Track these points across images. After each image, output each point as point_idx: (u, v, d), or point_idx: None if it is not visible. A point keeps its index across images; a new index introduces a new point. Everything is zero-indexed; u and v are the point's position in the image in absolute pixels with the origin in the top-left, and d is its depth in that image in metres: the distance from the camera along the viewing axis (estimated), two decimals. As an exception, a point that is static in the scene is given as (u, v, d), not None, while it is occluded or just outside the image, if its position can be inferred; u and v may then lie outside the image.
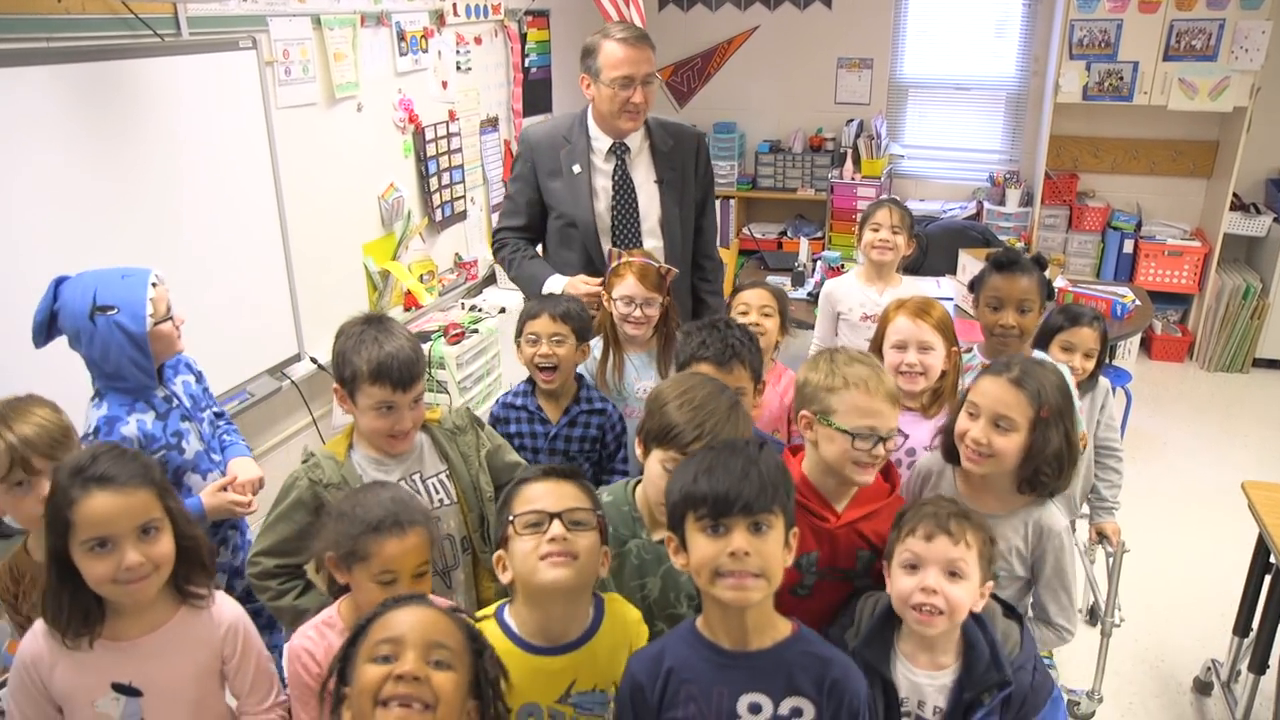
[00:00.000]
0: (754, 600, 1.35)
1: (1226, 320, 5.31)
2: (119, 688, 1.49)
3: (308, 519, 1.86)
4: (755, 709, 1.37)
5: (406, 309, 4.02)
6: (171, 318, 2.07)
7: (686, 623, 1.47)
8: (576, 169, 2.77)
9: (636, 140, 2.80)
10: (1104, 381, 2.66)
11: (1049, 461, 1.75)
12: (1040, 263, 2.38)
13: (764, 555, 1.33)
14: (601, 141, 2.78)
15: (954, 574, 1.52)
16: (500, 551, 1.50)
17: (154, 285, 2.03)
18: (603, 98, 2.68)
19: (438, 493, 1.99)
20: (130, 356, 1.97)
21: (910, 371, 2.19)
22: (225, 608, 1.61)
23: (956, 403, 1.93)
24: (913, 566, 1.53)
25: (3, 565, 1.85)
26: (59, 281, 2.00)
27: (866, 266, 3.07)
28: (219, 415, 2.36)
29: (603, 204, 2.79)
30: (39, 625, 1.50)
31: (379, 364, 1.84)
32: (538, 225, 2.90)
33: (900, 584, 1.54)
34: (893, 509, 1.73)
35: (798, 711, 1.37)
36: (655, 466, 1.67)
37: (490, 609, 1.57)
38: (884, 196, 3.31)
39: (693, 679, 1.40)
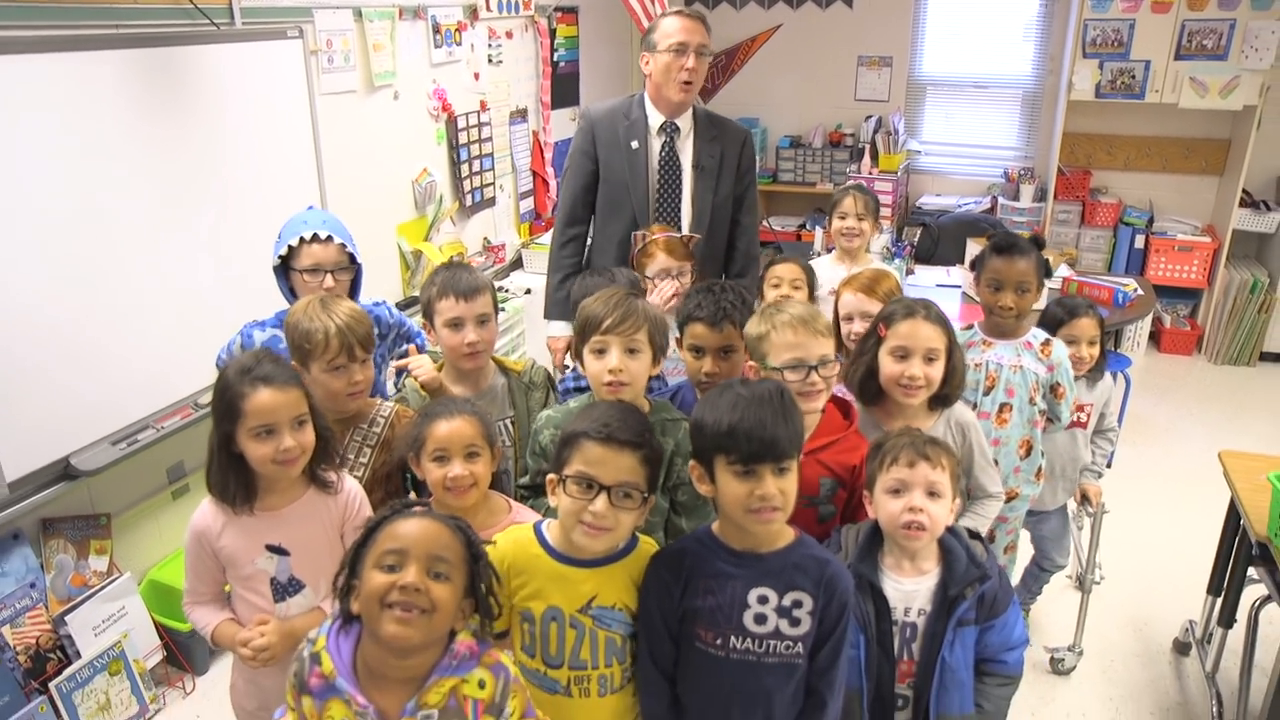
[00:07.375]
0: (775, 529, 1.61)
1: (1234, 314, 5.42)
2: (271, 548, 1.83)
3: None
4: (763, 600, 1.60)
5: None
6: (324, 275, 2.32)
7: (704, 528, 1.69)
8: (635, 145, 2.93)
9: (686, 123, 2.96)
10: (1107, 380, 2.84)
11: (959, 375, 2.06)
12: (1038, 243, 2.48)
13: (787, 493, 1.56)
14: (655, 118, 2.95)
15: (933, 494, 1.72)
16: (553, 477, 1.63)
17: (314, 239, 2.33)
18: (659, 68, 2.84)
19: (500, 434, 2.23)
20: (279, 284, 2.41)
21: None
22: (346, 481, 1.92)
23: (857, 353, 2.14)
24: (896, 491, 1.73)
25: None
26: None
27: (838, 250, 3.26)
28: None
29: (653, 180, 2.96)
30: (205, 503, 1.84)
31: (444, 281, 2.17)
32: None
33: (889, 507, 1.74)
34: (851, 441, 1.95)
35: (798, 603, 1.60)
36: (590, 362, 1.92)
37: (527, 525, 1.73)
38: (849, 183, 3.45)
39: (711, 575, 1.63)
